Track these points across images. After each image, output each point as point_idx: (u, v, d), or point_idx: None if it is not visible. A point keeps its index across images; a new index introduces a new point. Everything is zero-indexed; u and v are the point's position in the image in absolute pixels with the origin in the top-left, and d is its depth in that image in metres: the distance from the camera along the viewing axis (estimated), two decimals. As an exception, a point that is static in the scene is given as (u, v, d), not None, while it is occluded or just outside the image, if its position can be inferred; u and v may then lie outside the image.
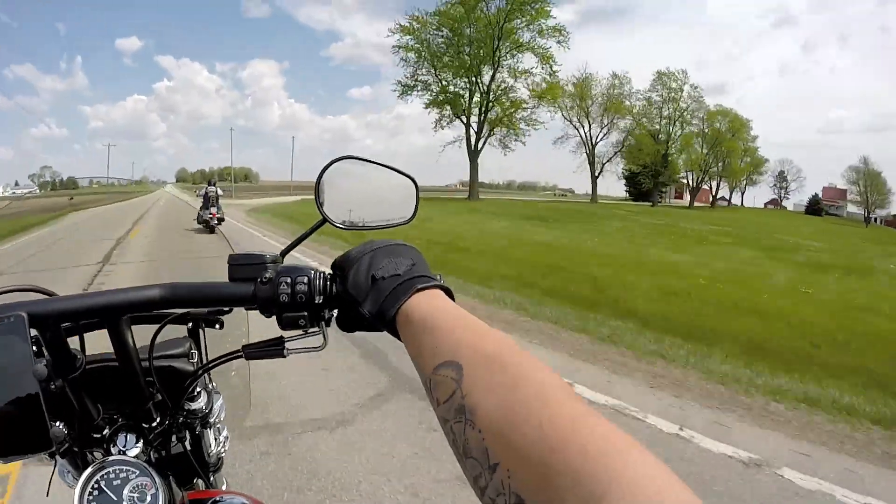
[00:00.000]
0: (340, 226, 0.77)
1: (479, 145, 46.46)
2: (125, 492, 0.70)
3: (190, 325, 0.89)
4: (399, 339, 0.58)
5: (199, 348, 0.90)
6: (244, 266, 0.71)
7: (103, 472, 0.71)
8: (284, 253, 0.76)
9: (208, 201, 13.56)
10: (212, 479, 0.96)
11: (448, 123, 47.58)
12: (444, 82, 47.56)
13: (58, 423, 0.63)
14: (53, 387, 0.64)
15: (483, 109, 45.86)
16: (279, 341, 0.75)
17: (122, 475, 0.71)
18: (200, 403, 0.89)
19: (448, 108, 47.25)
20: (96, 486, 0.70)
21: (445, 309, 0.54)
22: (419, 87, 47.74)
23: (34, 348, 0.62)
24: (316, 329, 0.71)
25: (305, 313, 0.69)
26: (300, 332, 0.71)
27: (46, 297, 0.81)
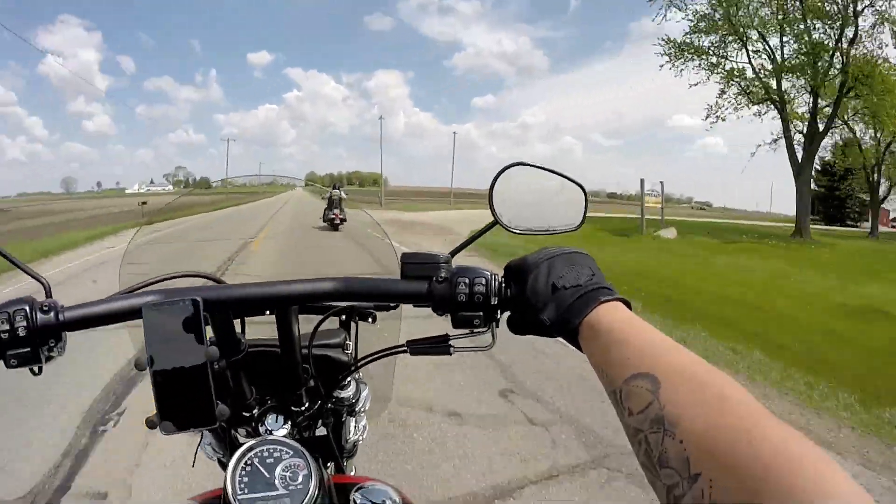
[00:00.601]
0: (512, 229, 0.79)
1: (817, 142, 22.97)
2: (277, 470, 0.72)
3: (343, 317, 0.94)
4: (577, 347, 0.60)
5: (351, 340, 0.95)
6: (418, 265, 0.74)
7: (258, 450, 0.74)
8: (454, 253, 0.78)
9: (332, 203, 15.60)
10: (345, 464, 0.99)
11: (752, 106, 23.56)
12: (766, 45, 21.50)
13: (219, 403, 0.67)
14: (218, 367, 0.68)
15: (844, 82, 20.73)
16: (445, 338, 0.78)
17: (275, 454, 0.74)
18: (349, 392, 0.94)
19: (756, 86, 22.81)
20: (249, 462, 0.73)
21: (631, 322, 0.55)
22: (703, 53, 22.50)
23: (205, 330, 0.67)
24: (483, 329, 0.72)
25: (481, 313, 0.70)
26: (466, 331, 0.73)
27: (217, 283, 0.90)
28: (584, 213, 0.82)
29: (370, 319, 0.92)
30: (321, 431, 0.92)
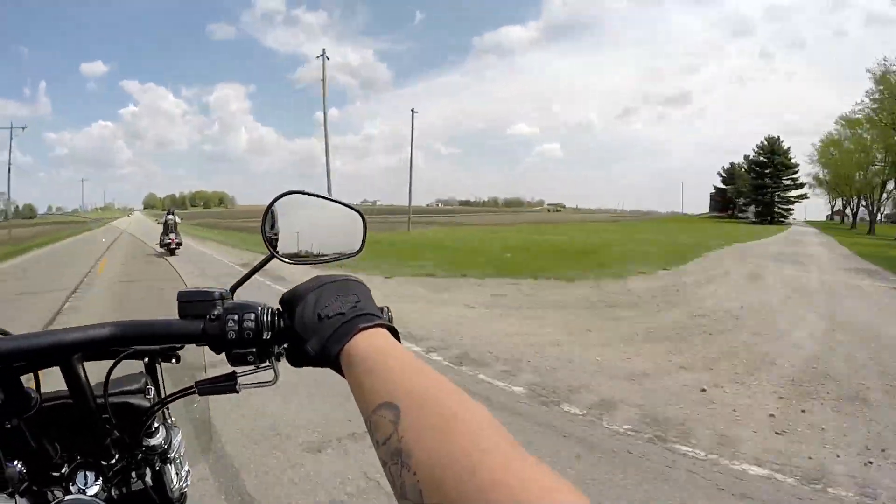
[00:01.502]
0: (288, 261, 0.79)
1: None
2: None
3: (146, 359, 0.89)
4: (344, 377, 0.60)
5: (155, 383, 0.91)
6: (193, 303, 0.73)
7: None
8: (234, 289, 0.78)
9: (168, 228, 15.66)
10: None
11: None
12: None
13: (14, 463, 0.63)
14: (9, 426, 0.64)
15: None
16: (231, 376, 0.76)
17: None
18: (159, 439, 0.89)
19: None
20: None
21: (384, 349, 0.56)
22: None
23: None
24: (267, 364, 0.73)
25: (254, 349, 0.71)
26: (252, 367, 0.73)
27: None
28: (364, 238, 0.85)
29: (173, 360, 0.88)
30: (139, 485, 0.87)
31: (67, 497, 0.74)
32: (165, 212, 18.04)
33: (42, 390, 0.79)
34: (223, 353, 0.73)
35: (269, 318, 0.70)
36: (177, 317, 0.76)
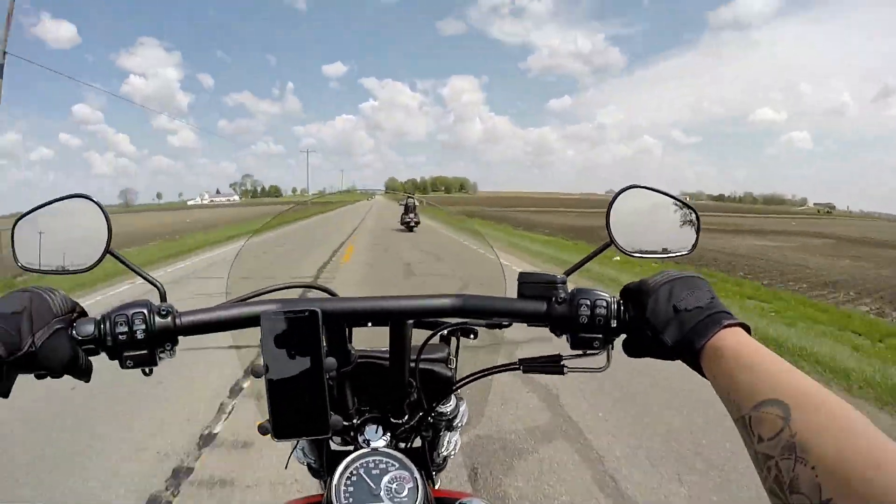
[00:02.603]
0: (626, 251, 0.83)
1: None
2: (384, 481, 0.75)
3: (446, 331, 0.96)
4: (698, 370, 0.62)
5: (454, 355, 0.98)
6: (536, 284, 0.78)
7: (364, 461, 0.77)
8: (569, 273, 0.81)
9: (408, 209, 18.69)
10: (435, 476, 1.01)
11: None
12: None
13: (332, 413, 0.70)
14: (330, 377, 0.71)
15: None
16: (558, 358, 0.81)
17: (381, 465, 0.77)
18: (449, 407, 0.97)
19: None
20: (355, 472, 0.76)
21: (754, 347, 0.58)
22: None
23: (323, 341, 0.70)
24: (597, 351, 0.75)
25: (600, 335, 0.74)
26: (579, 351, 0.76)
27: (331, 296, 0.94)
28: (697, 236, 0.85)
29: (472, 336, 0.95)
30: (416, 443, 0.95)
31: (379, 449, 0.82)
32: (406, 195, 22.00)
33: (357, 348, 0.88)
34: (563, 336, 0.76)
35: (616, 307, 0.73)
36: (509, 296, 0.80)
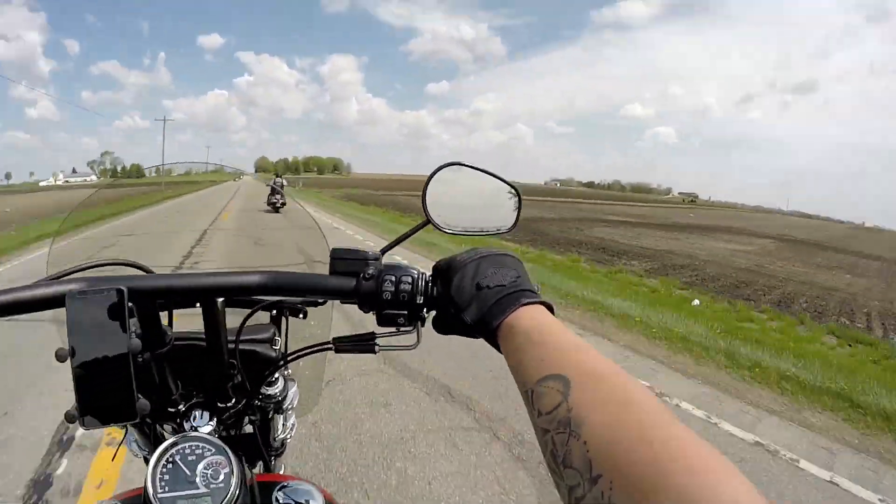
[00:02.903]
0: (445, 229, 0.82)
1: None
2: (199, 468, 0.73)
3: (274, 312, 0.95)
4: (496, 348, 0.63)
5: (280, 335, 0.96)
6: (347, 260, 0.77)
7: (179, 447, 0.75)
8: (385, 251, 0.81)
9: (275, 190, 18.65)
10: (273, 463, 1.02)
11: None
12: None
13: (140, 396, 0.67)
14: (142, 360, 0.69)
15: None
16: (371, 336, 0.80)
17: (197, 451, 0.75)
18: (276, 389, 0.95)
19: None
20: (171, 459, 0.74)
21: (550, 325, 0.59)
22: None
23: (129, 321, 0.67)
24: (409, 328, 0.75)
25: (406, 312, 0.73)
26: (392, 329, 0.76)
27: (144, 273, 0.90)
28: (518, 215, 0.86)
29: (301, 315, 0.95)
30: (249, 429, 0.94)
31: (190, 433, 0.79)
32: (274, 175, 21.53)
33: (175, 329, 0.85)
34: (370, 313, 0.76)
35: (423, 284, 0.73)
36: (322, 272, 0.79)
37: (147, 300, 0.74)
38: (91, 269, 0.84)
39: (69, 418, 0.66)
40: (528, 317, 0.60)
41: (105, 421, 0.67)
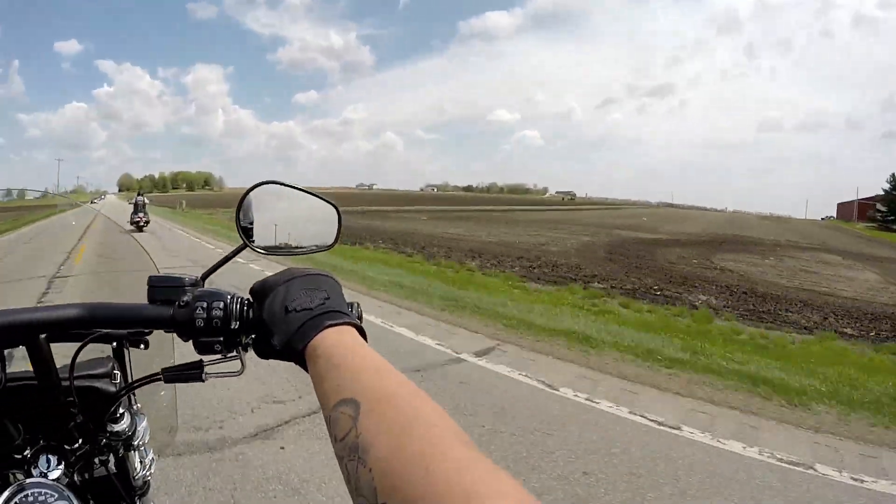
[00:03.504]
0: (261, 251, 0.82)
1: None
2: None
3: (114, 344, 0.92)
4: (308, 372, 0.62)
5: (122, 369, 0.93)
6: (163, 288, 0.75)
7: (22, 495, 0.73)
8: (205, 276, 0.80)
9: (137, 208, 18.13)
10: (138, 503, 0.96)
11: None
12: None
13: None
14: None
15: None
16: (198, 365, 0.78)
17: (40, 498, 0.73)
18: (123, 425, 0.91)
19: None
20: None
21: (351, 347, 0.59)
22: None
23: None
24: (234, 354, 0.75)
25: (221, 338, 0.72)
26: (219, 356, 0.75)
27: None
28: (339, 232, 0.87)
29: (142, 346, 0.91)
30: (102, 471, 0.89)
31: (29, 480, 0.76)
32: (136, 193, 21.73)
33: (7, 370, 0.80)
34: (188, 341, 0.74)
35: (239, 308, 0.72)
36: (146, 302, 0.77)
37: None
38: None
39: None
40: (331, 340, 0.60)
41: None
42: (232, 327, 0.71)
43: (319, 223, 0.87)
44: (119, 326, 0.79)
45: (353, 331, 0.62)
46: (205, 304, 0.72)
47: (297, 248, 0.87)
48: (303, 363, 0.62)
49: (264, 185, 0.82)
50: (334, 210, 0.87)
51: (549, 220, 48.03)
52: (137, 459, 0.96)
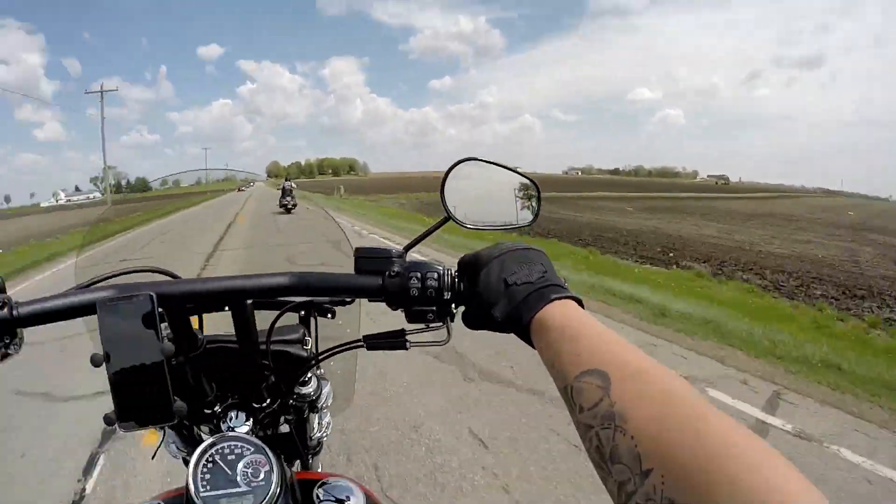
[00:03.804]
0: (465, 224, 0.84)
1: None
2: (239, 466, 0.76)
3: (302, 312, 0.97)
4: (528, 343, 0.64)
5: (311, 336, 0.98)
6: (372, 259, 0.78)
7: (219, 447, 0.78)
8: (408, 248, 0.82)
9: (285, 192, 19.54)
10: (311, 461, 1.04)
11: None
12: None
13: (177, 399, 0.70)
14: (175, 363, 0.71)
15: None
16: (401, 333, 0.82)
17: (236, 451, 0.78)
18: (310, 388, 0.97)
19: None
20: (211, 459, 0.77)
21: (582, 319, 0.59)
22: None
23: (161, 326, 0.69)
24: (439, 324, 0.77)
25: (434, 308, 0.75)
26: (422, 325, 0.78)
27: (172, 279, 0.93)
28: (538, 209, 0.87)
29: (329, 315, 0.95)
30: (285, 429, 0.96)
31: (228, 433, 0.82)
32: (284, 179, 22.63)
33: (205, 332, 0.88)
34: (398, 310, 0.78)
35: (450, 280, 0.75)
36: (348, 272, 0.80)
37: (176, 305, 0.76)
38: (119, 277, 0.87)
39: (107, 421, 0.69)
40: (560, 312, 0.61)
41: (142, 423, 0.70)
42: (445, 297, 0.74)
43: (519, 199, 0.87)
44: (328, 294, 0.82)
45: (576, 304, 0.63)
46: (419, 275, 0.75)
47: (495, 222, 0.87)
48: (525, 335, 0.64)
49: (465, 162, 0.83)
50: (534, 186, 0.87)
51: (740, 212, 42.00)
52: (316, 421, 1.02)
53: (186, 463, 0.92)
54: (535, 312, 0.62)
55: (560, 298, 0.63)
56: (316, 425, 1.02)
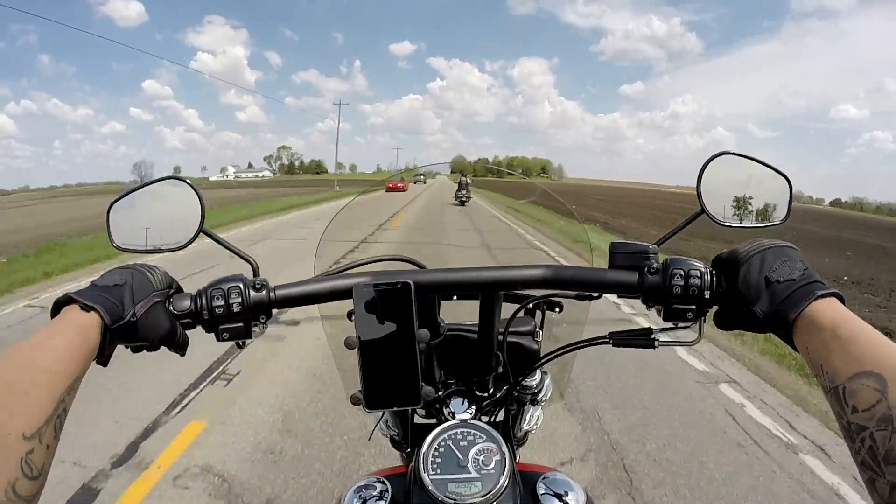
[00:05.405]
0: (720, 221, 0.84)
1: None
2: (471, 453, 0.78)
3: (530, 305, 0.99)
4: (789, 343, 0.64)
5: (541, 329, 1.00)
6: (628, 254, 0.78)
7: (452, 432, 0.81)
8: (660, 243, 0.82)
9: (461, 186, 21.98)
10: (517, 452, 1.04)
11: None
12: None
13: (424, 384, 0.72)
14: (422, 349, 0.73)
15: None
16: (648, 332, 0.81)
17: (469, 437, 0.80)
18: (534, 381, 1.00)
19: None
20: (443, 443, 0.80)
21: (851, 319, 0.58)
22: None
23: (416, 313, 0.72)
24: (687, 323, 0.76)
25: (694, 307, 0.74)
26: (669, 324, 0.77)
27: (420, 268, 0.97)
28: (790, 205, 0.86)
29: (557, 309, 0.97)
30: (499, 417, 0.98)
31: (464, 420, 0.86)
32: (460, 174, 27.95)
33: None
34: (653, 308, 0.78)
35: (710, 278, 0.73)
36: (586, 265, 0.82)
37: (427, 294, 0.80)
38: (369, 265, 0.94)
39: (354, 401, 0.74)
40: (827, 310, 0.60)
41: (389, 405, 0.73)
42: (705, 297, 0.73)
43: (770, 195, 0.87)
44: (580, 289, 0.83)
45: (839, 302, 0.62)
46: (682, 272, 0.73)
47: (748, 220, 0.87)
48: (787, 334, 0.63)
49: (720, 156, 0.85)
50: (786, 181, 0.85)
51: None
52: (531, 413, 1.03)
53: (394, 443, 1.02)
54: (801, 310, 0.61)
55: (826, 296, 0.62)
56: (529, 417, 1.03)
